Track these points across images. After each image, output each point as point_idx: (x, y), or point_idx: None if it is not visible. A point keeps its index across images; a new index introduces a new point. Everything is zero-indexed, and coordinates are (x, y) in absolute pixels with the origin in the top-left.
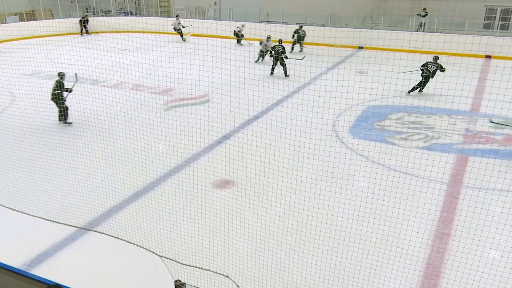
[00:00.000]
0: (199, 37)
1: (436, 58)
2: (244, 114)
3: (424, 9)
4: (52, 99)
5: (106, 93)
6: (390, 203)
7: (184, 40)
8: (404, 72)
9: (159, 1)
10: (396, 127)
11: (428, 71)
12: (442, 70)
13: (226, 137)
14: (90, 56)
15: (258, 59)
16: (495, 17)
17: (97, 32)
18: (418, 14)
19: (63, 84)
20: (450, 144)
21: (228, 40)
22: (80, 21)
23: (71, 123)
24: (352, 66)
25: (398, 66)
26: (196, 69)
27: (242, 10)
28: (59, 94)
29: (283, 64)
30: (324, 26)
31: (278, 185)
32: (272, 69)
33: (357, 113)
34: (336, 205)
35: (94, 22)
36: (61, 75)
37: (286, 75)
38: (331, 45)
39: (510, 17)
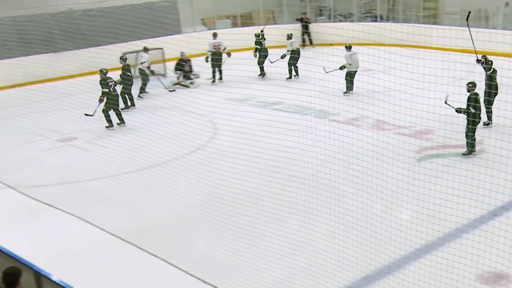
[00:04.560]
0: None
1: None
2: None
3: None
4: None
5: (336, 130)
6: None
7: None
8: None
9: (423, 1)
10: None
11: None
12: None
13: (505, 207)
14: (321, 77)
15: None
16: None
17: (331, 44)
18: None
19: None
20: None
21: None
22: (301, 19)
23: None
24: None
25: None
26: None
27: None
28: None
29: None
30: None
31: None
32: None
33: None
34: None
35: (326, 29)
36: None
37: None
38: None
39: None
